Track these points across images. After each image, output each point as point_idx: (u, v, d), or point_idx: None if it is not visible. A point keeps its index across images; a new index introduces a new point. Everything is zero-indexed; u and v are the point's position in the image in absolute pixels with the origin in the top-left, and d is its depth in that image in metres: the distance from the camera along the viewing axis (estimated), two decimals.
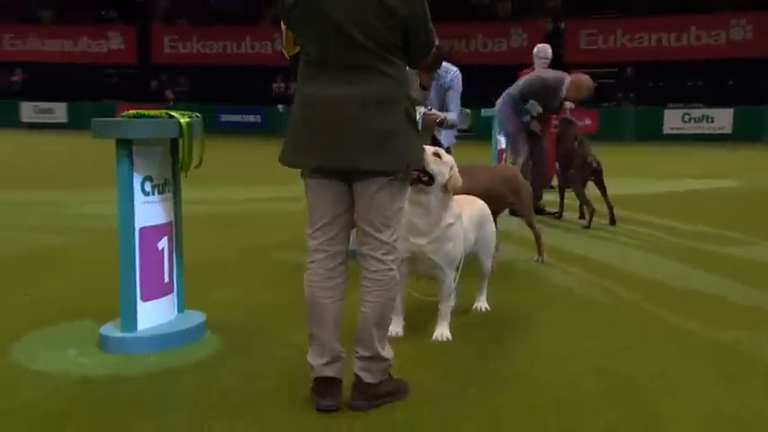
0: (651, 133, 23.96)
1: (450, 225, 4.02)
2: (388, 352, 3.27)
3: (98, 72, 31.51)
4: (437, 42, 5.09)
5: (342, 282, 3.26)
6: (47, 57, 32.19)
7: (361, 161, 3.08)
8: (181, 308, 4.36)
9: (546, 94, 8.13)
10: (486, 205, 4.73)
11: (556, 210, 8.53)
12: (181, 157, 4.08)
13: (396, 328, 4.21)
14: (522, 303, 4.95)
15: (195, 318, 4.29)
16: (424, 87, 5.88)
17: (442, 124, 5.95)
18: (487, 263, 4.69)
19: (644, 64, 26.29)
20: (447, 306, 4.18)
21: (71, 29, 32.42)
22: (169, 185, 4.20)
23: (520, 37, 27.63)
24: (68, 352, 3.95)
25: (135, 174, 3.98)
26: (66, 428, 3.06)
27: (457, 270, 4.21)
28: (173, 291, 4.28)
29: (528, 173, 8.54)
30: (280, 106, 25.80)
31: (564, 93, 8.09)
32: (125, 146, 3.94)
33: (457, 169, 3.98)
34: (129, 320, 4.02)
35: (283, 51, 3.24)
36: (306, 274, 3.26)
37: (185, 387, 3.50)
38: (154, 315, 4.12)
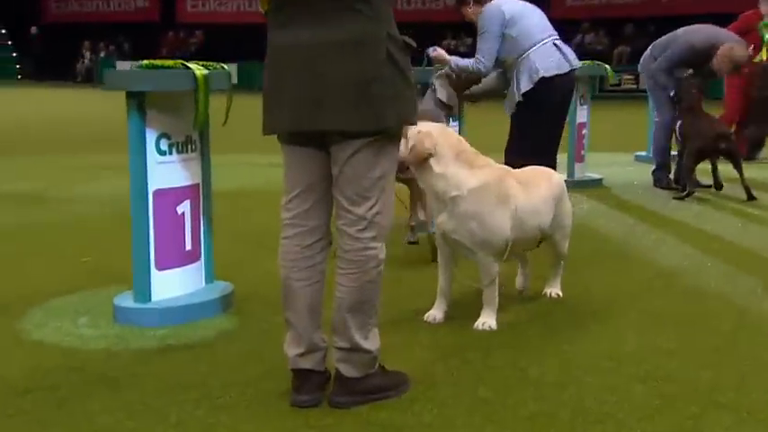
0: None
1: (455, 198, 3.62)
2: (371, 343, 2.93)
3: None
4: None
5: (319, 261, 2.95)
6: (223, 17, 33.52)
7: (331, 120, 2.74)
8: (210, 278, 4.20)
9: (695, 62, 7.35)
10: (562, 179, 4.22)
11: (710, 182, 7.71)
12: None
13: (436, 312, 3.87)
14: (613, 289, 4.43)
15: (220, 290, 4.12)
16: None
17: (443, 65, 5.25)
18: (562, 245, 4.20)
19: None
20: (490, 292, 3.78)
21: None
22: (193, 144, 4.03)
23: None
24: (79, 321, 3.90)
25: (148, 130, 3.84)
26: (20, 405, 2.96)
27: (501, 254, 3.77)
28: (198, 259, 4.13)
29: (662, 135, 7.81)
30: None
31: (714, 62, 7.24)
32: (135, 99, 3.79)
33: (424, 135, 3.54)
34: (142, 291, 3.90)
35: (260, 8, 2.95)
36: (279, 252, 2.97)
37: (169, 366, 3.33)
38: (173, 285, 3.99)
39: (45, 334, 3.72)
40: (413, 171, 3.70)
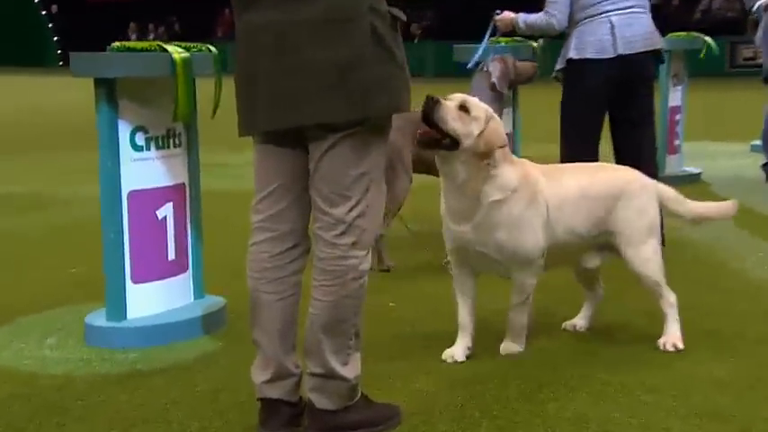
0: None
1: (497, 203, 3.46)
2: (350, 370, 2.88)
3: None
4: None
5: (293, 272, 2.92)
6: None
7: (310, 113, 2.71)
8: (199, 292, 4.21)
9: None
10: (635, 175, 3.91)
11: None
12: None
13: (456, 350, 3.66)
14: (686, 306, 4.25)
15: (207, 306, 4.13)
16: None
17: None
18: (635, 263, 3.82)
19: None
20: (520, 313, 3.67)
21: None
22: (176, 138, 4.06)
23: None
24: (46, 341, 3.96)
25: (121, 122, 3.87)
26: None
27: (538, 266, 3.63)
28: (185, 271, 4.15)
29: None
30: None
31: None
32: (105, 87, 3.83)
33: (496, 123, 3.45)
34: (116, 307, 3.95)
35: None
36: (247, 260, 2.95)
37: (132, 395, 3.35)
38: (152, 301, 4.02)
39: (3, 357, 3.79)
40: (439, 162, 3.49)
